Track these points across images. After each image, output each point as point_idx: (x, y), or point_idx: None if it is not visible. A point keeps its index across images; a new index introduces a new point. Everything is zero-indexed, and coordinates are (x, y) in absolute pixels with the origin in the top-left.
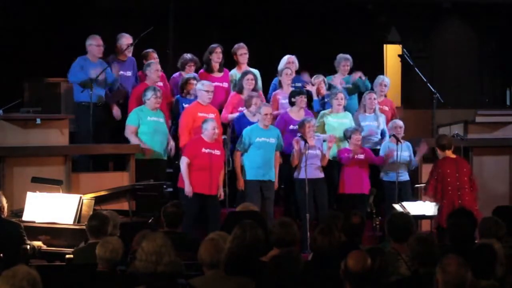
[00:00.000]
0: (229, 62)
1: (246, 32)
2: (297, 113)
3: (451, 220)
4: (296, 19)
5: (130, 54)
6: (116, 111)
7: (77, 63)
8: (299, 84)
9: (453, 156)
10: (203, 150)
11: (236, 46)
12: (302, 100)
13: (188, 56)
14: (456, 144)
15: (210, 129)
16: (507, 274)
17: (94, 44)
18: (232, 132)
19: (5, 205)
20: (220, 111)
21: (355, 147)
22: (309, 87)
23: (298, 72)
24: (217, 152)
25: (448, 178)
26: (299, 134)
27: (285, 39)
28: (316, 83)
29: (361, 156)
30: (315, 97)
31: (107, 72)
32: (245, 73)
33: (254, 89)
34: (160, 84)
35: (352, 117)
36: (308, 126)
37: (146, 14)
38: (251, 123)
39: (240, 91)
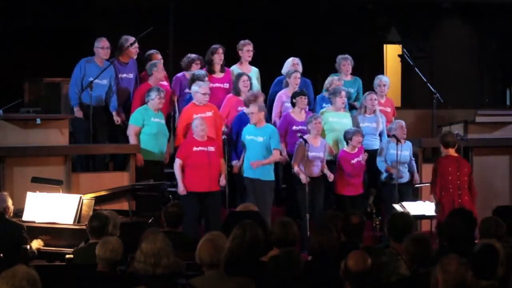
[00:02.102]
0: (230, 60)
1: (246, 32)
2: (299, 114)
3: (450, 220)
4: (296, 19)
5: (135, 56)
6: (117, 116)
7: (78, 70)
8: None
9: (455, 154)
10: (195, 149)
11: (242, 42)
12: (302, 101)
13: (193, 55)
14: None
15: (198, 125)
16: (507, 274)
17: (99, 47)
18: (229, 133)
19: (11, 206)
20: None
21: (353, 149)
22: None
23: (302, 75)
24: (212, 148)
25: (449, 177)
26: (299, 135)
27: (285, 39)
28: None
29: (363, 160)
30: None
31: (110, 75)
32: (240, 75)
33: (250, 90)
34: (164, 83)
35: (351, 117)
36: (315, 122)
37: (146, 14)
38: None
39: (237, 93)
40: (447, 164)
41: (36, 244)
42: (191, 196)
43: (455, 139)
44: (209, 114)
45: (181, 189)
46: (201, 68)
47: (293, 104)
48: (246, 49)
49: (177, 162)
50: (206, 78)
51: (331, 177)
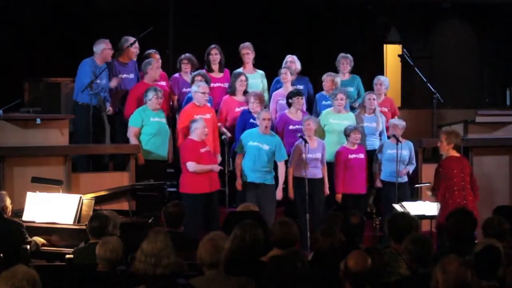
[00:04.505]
0: (233, 61)
1: (246, 32)
2: (295, 114)
3: (451, 220)
4: (296, 19)
5: (135, 57)
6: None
7: (87, 68)
8: (300, 86)
9: (457, 154)
10: (202, 150)
11: (241, 45)
12: (298, 101)
13: (183, 55)
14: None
15: (201, 128)
16: (507, 274)
17: (108, 48)
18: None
19: (9, 205)
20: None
21: (353, 145)
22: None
23: (301, 73)
24: (209, 149)
25: (454, 179)
26: (299, 134)
27: (285, 39)
28: (325, 80)
29: (361, 156)
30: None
31: (108, 75)
32: (238, 74)
33: (249, 90)
34: (163, 83)
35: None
36: (306, 124)
37: (146, 14)
38: (254, 118)
39: (233, 92)
40: (452, 166)
41: (40, 238)
42: (196, 197)
43: (460, 142)
44: (208, 116)
45: (218, 168)
46: (192, 67)
47: (289, 104)
48: (243, 52)
49: (193, 164)
50: (202, 79)
51: (326, 192)
